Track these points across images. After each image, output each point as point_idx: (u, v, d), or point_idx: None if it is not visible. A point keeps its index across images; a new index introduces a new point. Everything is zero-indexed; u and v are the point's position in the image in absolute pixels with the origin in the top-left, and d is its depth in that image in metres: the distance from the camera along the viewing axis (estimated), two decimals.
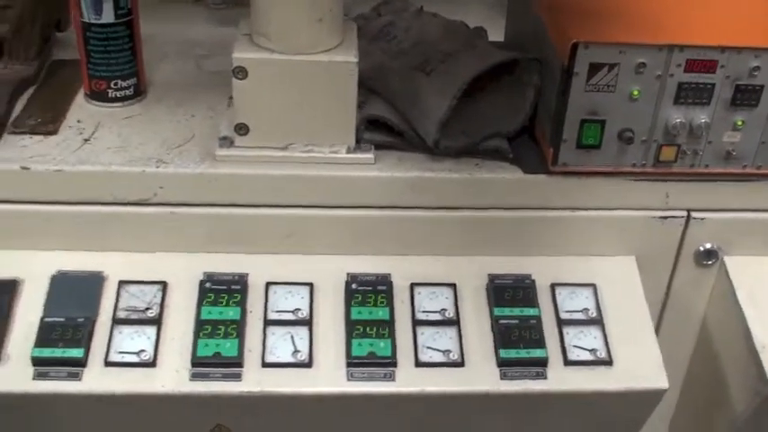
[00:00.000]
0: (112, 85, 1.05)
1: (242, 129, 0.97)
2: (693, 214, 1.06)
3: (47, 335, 0.94)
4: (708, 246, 1.08)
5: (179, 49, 1.20)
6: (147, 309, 0.97)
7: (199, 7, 1.32)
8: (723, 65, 0.97)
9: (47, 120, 1.02)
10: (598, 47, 0.94)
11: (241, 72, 0.94)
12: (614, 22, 0.99)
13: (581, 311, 1.02)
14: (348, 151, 1.00)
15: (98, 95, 1.06)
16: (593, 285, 1.04)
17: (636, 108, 0.98)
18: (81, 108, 1.06)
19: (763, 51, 0.96)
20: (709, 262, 1.09)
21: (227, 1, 1.31)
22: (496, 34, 1.17)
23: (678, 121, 0.99)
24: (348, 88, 0.96)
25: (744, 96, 0.99)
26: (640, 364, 1.00)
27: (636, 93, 0.97)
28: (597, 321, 1.01)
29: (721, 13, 1.05)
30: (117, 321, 0.96)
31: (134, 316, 0.96)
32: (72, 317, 0.95)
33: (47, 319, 0.95)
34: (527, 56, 1.04)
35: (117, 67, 1.04)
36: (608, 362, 0.99)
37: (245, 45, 0.95)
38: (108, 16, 1.00)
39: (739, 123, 1.00)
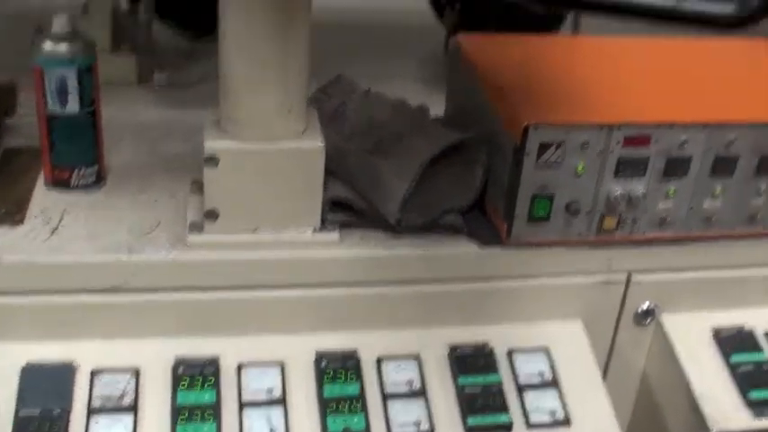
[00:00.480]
0: (75, 174, 1.05)
1: (212, 215, 1.00)
2: (633, 277, 1.13)
3: (23, 429, 0.93)
4: (645, 306, 1.15)
5: (132, 133, 1.21)
6: (122, 396, 0.97)
7: (144, 89, 1.34)
8: (656, 140, 1.04)
9: (11, 210, 1.02)
10: (546, 128, 1.01)
11: (213, 160, 0.97)
12: (559, 102, 1.05)
13: (537, 374, 1.07)
14: (314, 232, 1.03)
15: (61, 183, 1.06)
16: (546, 349, 1.10)
17: (581, 182, 1.04)
18: (43, 196, 1.06)
19: (690, 126, 1.04)
20: (647, 321, 1.16)
21: (172, 83, 1.33)
22: (435, 108, 1.22)
23: (618, 193, 1.06)
24: (315, 172, 1.00)
25: (675, 167, 1.06)
26: (596, 423, 1.05)
27: (581, 168, 1.03)
28: (553, 383, 1.07)
29: (653, 88, 1.13)
30: (93, 411, 0.95)
31: (109, 404, 0.96)
32: (47, 408, 0.94)
33: (21, 413, 0.94)
34: (475, 137, 1.10)
35: (80, 155, 1.05)
36: (566, 422, 1.04)
37: (215, 133, 0.98)
38: (73, 107, 1.01)
39: (671, 192, 1.08)
